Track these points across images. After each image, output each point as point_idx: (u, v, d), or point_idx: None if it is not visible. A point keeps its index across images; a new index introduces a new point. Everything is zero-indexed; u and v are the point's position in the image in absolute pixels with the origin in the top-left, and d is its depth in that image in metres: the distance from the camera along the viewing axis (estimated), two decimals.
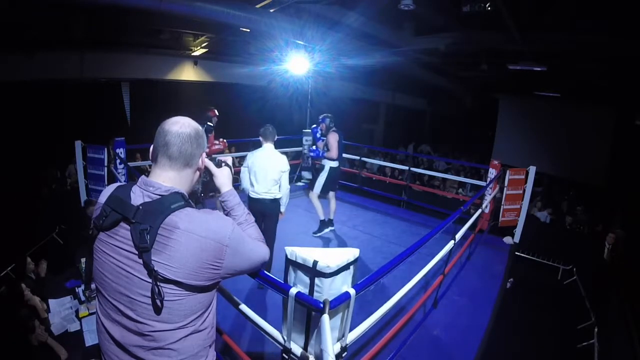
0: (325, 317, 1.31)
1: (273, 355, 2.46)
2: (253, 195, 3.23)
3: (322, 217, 4.61)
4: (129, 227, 0.94)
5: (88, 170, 4.74)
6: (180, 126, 1.01)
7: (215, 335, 1.11)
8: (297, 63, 6.65)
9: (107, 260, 0.97)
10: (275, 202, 3.25)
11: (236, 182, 2.35)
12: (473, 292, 3.43)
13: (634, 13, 4.39)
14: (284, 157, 3.24)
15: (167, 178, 1.01)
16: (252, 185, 3.23)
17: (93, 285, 1.59)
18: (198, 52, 8.23)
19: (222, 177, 1.26)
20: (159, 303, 0.92)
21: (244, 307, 1.73)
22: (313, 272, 1.48)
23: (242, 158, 3.45)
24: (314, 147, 4.73)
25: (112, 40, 6.85)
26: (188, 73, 8.61)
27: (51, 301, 3.26)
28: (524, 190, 4.54)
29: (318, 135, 4.71)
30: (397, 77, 10.37)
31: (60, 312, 3.19)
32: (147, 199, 0.97)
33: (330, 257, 1.50)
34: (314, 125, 4.78)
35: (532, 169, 4.44)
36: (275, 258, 3.02)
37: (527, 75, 7.90)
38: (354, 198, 6.25)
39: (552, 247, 5.43)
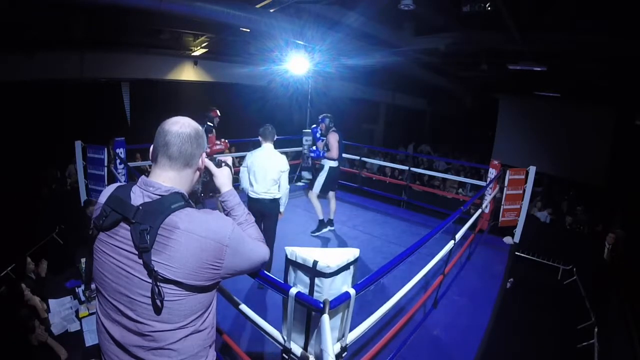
0: (325, 317, 1.31)
1: (273, 355, 2.46)
2: (252, 195, 3.23)
3: (320, 217, 4.61)
4: (129, 227, 0.94)
5: (88, 170, 4.74)
6: (180, 126, 1.01)
7: (215, 335, 1.11)
8: (297, 63, 6.65)
9: (107, 261, 0.97)
10: (275, 202, 3.25)
11: (236, 182, 2.35)
12: (473, 292, 3.43)
13: (634, 13, 4.39)
14: (284, 157, 3.24)
15: (167, 178, 1.01)
16: (251, 185, 3.23)
17: (93, 286, 1.59)
18: (198, 52, 8.23)
19: (222, 177, 1.26)
20: (159, 303, 0.92)
21: (243, 307, 1.73)
22: (313, 272, 1.48)
23: (242, 158, 3.45)
24: (314, 148, 4.72)
25: (112, 40, 6.85)
26: (188, 73, 8.61)
27: (51, 301, 3.26)
28: (524, 190, 4.54)
29: (318, 135, 4.71)
30: (397, 77, 10.37)
31: (60, 312, 3.19)
32: (147, 199, 0.97)
33: (330, 257, 1.50)
34: (314, 126, 4.78)
35: (532, 169, 4.44)
36: (275, 258, 3.02)
37: (527, 75, 7.90)
38: (354, 198, 6.25)
39: (552, 247, 5.43)
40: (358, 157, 6.72)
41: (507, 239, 4.63)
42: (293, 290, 1.41)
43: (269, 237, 3.19)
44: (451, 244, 2.81)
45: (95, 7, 4.69)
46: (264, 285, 1.49)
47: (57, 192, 6.00)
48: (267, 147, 3.26)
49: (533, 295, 4.49)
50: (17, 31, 5.50)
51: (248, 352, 2.15)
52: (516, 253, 4.69)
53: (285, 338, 1.56)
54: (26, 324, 2.73)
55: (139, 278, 0.93)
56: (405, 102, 13.00)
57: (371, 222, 5.25)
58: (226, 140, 4.89)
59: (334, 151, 4.45)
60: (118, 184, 1.08)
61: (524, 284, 4.49)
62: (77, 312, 3.20)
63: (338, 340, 1.53)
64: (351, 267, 1.58)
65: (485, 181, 5.52)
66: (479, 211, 3.96)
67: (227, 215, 1.24)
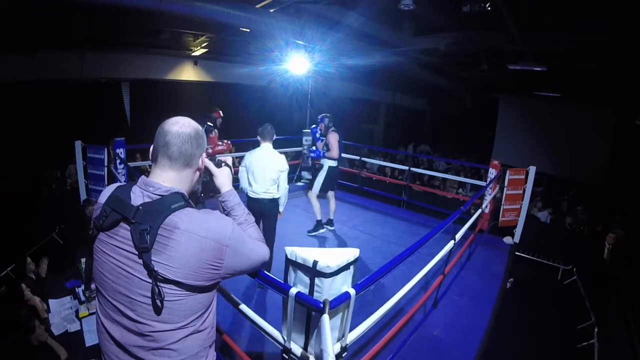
0: (325, 317, 1.31)
1: (273, 355, 2.46)
2: (251, 195, 3.23)
3: (318, 217, 4.60)
4: (129, 228, 0.94)
5: (88, 170, 4.73)
6: (180, 126, 1.01)
7: (215, 335, 1.11)
8: (297, 63, 6.65)
9: (107, 261, 0.97)
10: (274, 201, 3.25)
11: (236, 182, 2.35)
12: (473, 292, 3.43)
13: (634, 13, 4.39)
14: (283, 157, 3.24)
15: (167, 178, 1.01)
16: (250, 185, 3.22)
17: (93, 286, 1.59)
18: (198, 52, 8.23)
19: (222, 177, 1.26)
20: (159, 303, 0.92)
21: (243, 307, 1.73)
22: (313, 272, 1.48)
23: (242, 158, 3.44)
24: (313, 148, 4.72)
25: (112, 40, 6.85)
26: (188, 73, 8.61)
27: (51, 301, 3.26)
28: (524, 190, 4.54)
29: (317, 135, 4.71)
30: (397, 77, 10.37)
31: (60, 312, 3.19)
32: (147, 199, 0.97)
33: (330, 257, 1.50)
34: (314, 126, 4.78)
35: (532, 169, 4.44)
36: (275, 258, 3.02)
37: (527, 75, 7.90)
38: (354, 198, 6.25)
39: (552, 247, 5.43)
40: (358, 157, 6.72)
41: (507, 239, 4.63)
42: (293, 290, 1.41)
43: (269, 237, 3.19)
44: (451, 244, 2.81)
45: (95, 7, 4.69)
46: (264, 285, 1.49)
47: (57, 192, 6.00)
48: (266, 147, 3.26)
49: (533, 295, 4.49)
50: (17, 31, 5.50)
51: (248, 352, 2.15)
52: (516, 253, 4.69)
53: (285, 338, 1.56)
54: (26, 324, 2.73)
55: (139, 278, 0.93)
56: (405, 102, 13.00)
57: (371, 222, 5.25)
58: (229, 142, 4.88)
59: (335, 151, 4.45)
60: (118, 184, 1.08)
61: (524, 284, 4.48)
62: (77, 312, 3.19)
63: (338, 340, 1.53)
64: (351, 267, 1.58)
65: (485, 181, 5.52)
66: (479, 211, 3.96)
67: (227, 215, 1.24)
